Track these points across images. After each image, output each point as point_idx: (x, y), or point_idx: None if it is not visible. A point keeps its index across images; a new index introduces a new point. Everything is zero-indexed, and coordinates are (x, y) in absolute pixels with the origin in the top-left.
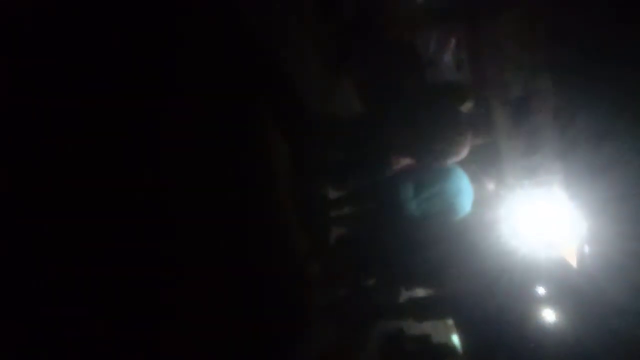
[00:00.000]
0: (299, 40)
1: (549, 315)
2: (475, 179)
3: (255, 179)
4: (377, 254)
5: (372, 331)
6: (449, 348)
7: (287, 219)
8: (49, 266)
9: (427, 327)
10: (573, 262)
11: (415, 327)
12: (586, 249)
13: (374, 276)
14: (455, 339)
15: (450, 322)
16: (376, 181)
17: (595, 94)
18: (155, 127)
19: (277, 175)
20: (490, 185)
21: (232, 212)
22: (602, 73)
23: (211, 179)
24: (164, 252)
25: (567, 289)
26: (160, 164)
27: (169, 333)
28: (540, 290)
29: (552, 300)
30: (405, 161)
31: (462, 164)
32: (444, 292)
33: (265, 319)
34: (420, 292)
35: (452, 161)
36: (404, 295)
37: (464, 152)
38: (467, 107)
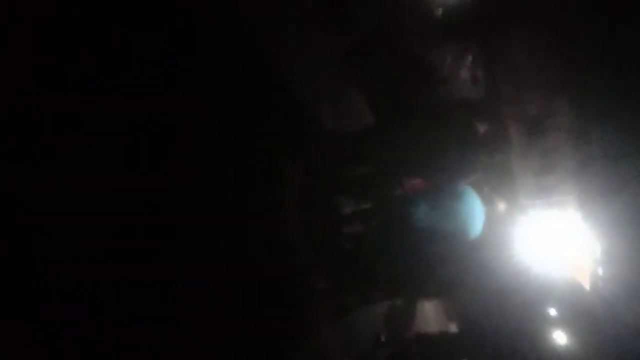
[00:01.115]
0: (311, 51)
1: (561, 337)
2: (487, 199)
3: (262, 186)
4: (386, 270)
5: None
6: None
7: (292, 227)
8: (49, 266)
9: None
10: (586, 284)
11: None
12: (600, 271)
13: (382, 291)
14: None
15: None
16: (386, 199)
17: (610, 113)
18: (161, 128)
19: (285, 183)
20: (503, 205)
21: (236, 216)
22: (618, 92)
23: (216, 183)
24: (166, 252)
25: (581, 311)
26: (163, 165)
27: (169, 333)
28: (553, 312)
29: (565, 321)
30: (416, 180)
31: (475, 183)
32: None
33: (267, 322)
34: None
35: (464, 182)
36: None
37: (476, 173)
38: (481, 124)
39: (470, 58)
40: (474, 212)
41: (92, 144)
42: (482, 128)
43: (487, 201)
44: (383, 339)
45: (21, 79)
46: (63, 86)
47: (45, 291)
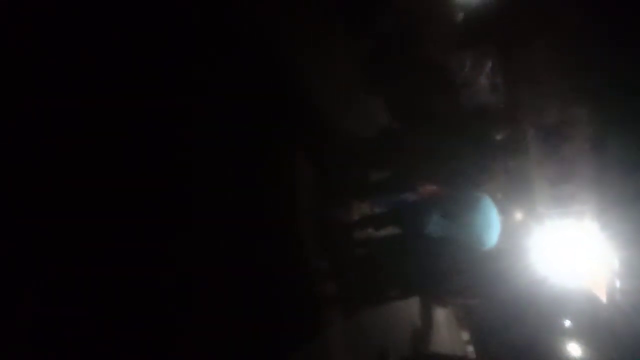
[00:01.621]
0: (330, 54)
1: (577, 350)
2: (504, 208)
3: (275, 188)
4: (399, 276)
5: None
6: None
7: (305, 230)
8: (49, 266)
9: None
10: (603, 295)
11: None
12: (617, 282)
13: (393, 298)
14: None
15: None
16: (401, 205)
17: (628, 122)
18: (163, 128)
19: (299, 186)
20: (520, 214)
21: (246, 218)
22: (636, 101)
23: (230, 184)
24: (167, 252)
25: (597, 323)
26: (166, 165)
27: (169, 333)
28: (569, 323)
29: (581, 333)
30: (431, 186)
31: (491, 193)
32: None
33: (272, 325)
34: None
35: (477, 188)
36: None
37: (491, 180)
38: (499, 132)
39: (489, 65)
40: (491, 221)
41: (93, 144)
42: (499, 135)
43: (504, 210)
44: (394, 346)
45: (21, 79)
46: (63, 86)
47: (45, 291)
